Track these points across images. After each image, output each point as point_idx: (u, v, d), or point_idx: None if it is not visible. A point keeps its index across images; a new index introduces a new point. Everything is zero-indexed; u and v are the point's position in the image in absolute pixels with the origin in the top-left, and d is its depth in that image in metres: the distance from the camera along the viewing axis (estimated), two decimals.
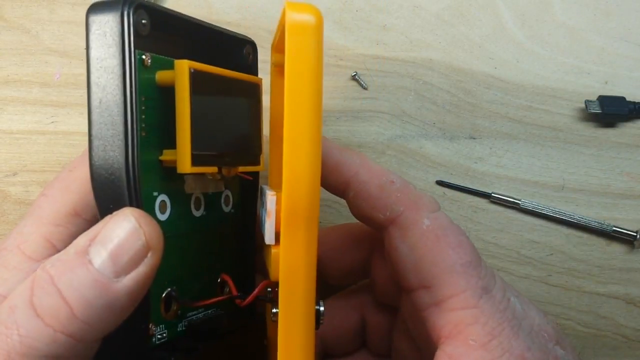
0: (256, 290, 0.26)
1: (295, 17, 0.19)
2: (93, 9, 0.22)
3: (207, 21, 0.27)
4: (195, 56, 0.24)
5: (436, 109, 0.37)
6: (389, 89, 0.37)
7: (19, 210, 0.36)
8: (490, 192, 0.36)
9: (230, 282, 0.27)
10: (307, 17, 0.19)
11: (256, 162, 0.27)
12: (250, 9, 0.37)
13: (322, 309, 0.23)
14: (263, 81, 0.28)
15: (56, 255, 0.21)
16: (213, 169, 0.24)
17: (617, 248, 0.36)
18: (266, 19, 0.37)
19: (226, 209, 0.28)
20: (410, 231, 0.25)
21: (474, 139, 0.37)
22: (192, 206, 0.26)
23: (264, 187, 0.27)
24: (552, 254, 0.36)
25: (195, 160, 0.22)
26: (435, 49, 0.37)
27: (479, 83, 0.37)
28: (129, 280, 0.20)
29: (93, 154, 0.21)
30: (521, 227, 0.36)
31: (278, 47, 0.28)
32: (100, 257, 0.20)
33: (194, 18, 0.25)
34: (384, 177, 0.26)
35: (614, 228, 0.36)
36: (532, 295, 0.36)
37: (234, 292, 0.27)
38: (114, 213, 0.21)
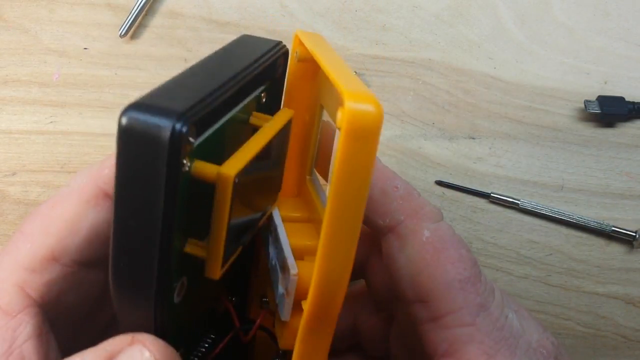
0: (258, 322, 0.25)
1: (356, 111, 0.17)
2: (133, 114, 0.17)
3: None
4: (229, 107, 0.22)
5: (435, 109, 0.37)
6: (388, 89, 0.37)
7: (17, 210, 0.36)
8: (489, 192, 0.36)
9: (233, 313, 0.26)
10: (369, 112, 0.17)
11: (273, 201, 0.26)
12: (249, 9, 0.37)
13: None
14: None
15: None
16: (238, 251, 0.22)
17: (616, 248, 0.36)
18: (265, 18, 0.37)
19: None
20: (409, 242, 0.24)
21: (474, 139, 0.37)
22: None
23: (275, 214, 0.26)
24: (551, 254, 0.36)
25: (224, 262, 0.21)
26: (434, 49, 0.37)
27: (479, 83, 0.37)
28: None
29: (116, 268, 0.19)
30: (520, 227, 0.36)
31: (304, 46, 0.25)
32: None
33: (234, 77, 0.21)
34: (388, 182, 0.25)
35: (613, 228, 0.36)
36: (532, 295, 0.36)
37: (236, 324, 0.25)
38: (136, 338, 0.20)
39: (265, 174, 0.24)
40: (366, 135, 0.17)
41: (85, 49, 0.37)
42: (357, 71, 0.37)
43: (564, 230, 0.36)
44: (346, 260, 0.19)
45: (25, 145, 0.36)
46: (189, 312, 0.23)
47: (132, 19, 0.36)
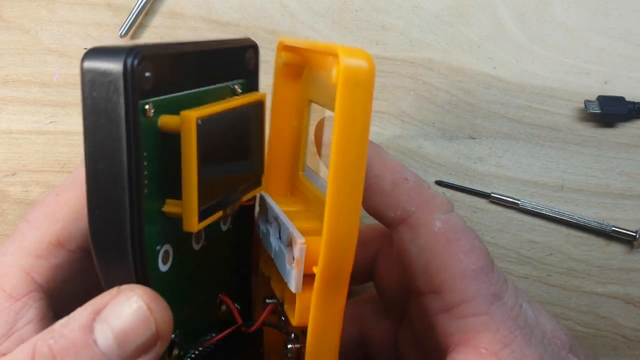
0: (263, 316, 0.25)
1: (350, 63, 0.19)
2: (90, 57, 0.19)
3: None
4: (196, 80, 0.23)
5: (436, 109, 0.37)
6: (388, 89, 0.37)
7: (18, 210, 0.36)
8: (489, 192, 0.36)
9: (234, 309, 0.26)
10: (362, 65, 0.19)
11: (258, 183, 0.26)
12: (249, 9, 0.37)
13: None
14: (265, 89, 0.27)
15: (58, 327, 0.20)
16: (218, 214, 0.23)
17: (616, 248, 0.36)
18: (265, 18, 0.37)
19: (224, 228, 0.27)
20: (420, 233, 0.24)
21: (474, 139, 0.37)
22: (193, 241, 0.24)
23: (265, 195, 0.26)
24: (551, 254, 0.36)
25: (202, 216, 0.21)
26: (434, 49, 0.37)
27: (479, 83, 0.37)
28: None
29: (92, 219, 0.20)
30: (520, 227, 0.36)
31: (292, 49, 0.27)
32: (105, 338, 0.19)
33: (194, 42, 0.23)
34: (398, 174, 0.25)
35: (613, 228, 0.36)
36: (532, 295, 0.36)
37: (239, 321, 0.26)
38: (122, 288, 0.20)
39: (239, 145, 0.24)
40: (361, 82, 0.19)
41: (85, 49, 0.37)
42: None
43: (564, 230, 0.36)
44: (355, 204, 0.20)
45: (25, 145, 0.36)
46: (182, 292, 0.23)
47: (132, 19, 0.36)
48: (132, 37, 0.37)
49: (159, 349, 0.20)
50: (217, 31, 0.37)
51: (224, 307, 0.27)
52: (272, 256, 0.25)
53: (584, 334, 0.36)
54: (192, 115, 0.20)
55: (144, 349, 0.19)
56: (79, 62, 0.36)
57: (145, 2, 0.36)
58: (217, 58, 0.25)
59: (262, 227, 0.27)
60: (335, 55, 0.19)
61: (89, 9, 0.37)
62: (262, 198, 0.27)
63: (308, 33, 0.37)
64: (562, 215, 0.36)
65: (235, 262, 0.28)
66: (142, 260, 0.20)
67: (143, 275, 0.20)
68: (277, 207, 0.25)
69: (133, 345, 0.19)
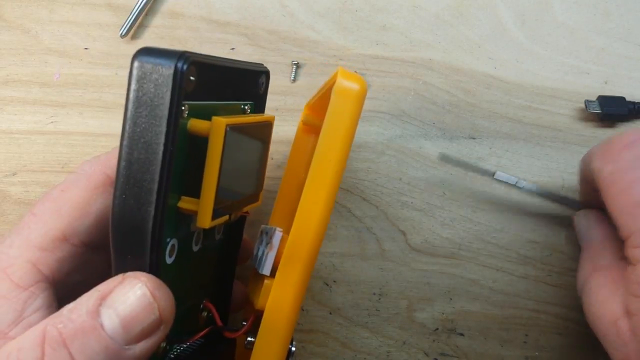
0: (247, 325, 0.26)
1: (344, 83, 0.22)
2: (143, 54, 0.20)
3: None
4: (219, 93, 0.24)
5: (436, 109, 0.37)
6: (388, 89, 0.37)
7: (18, 210, 0.36)
8: (494, 170, 0.35)
9: (215, 313, 0.27)
10: (353, 86, 0.22)
11: (256, 199, 0.28)
12: (249, 9, 0.37)
13: (293, 349, 0.24)
14: (276, 119, 0.29)
15: (66, 312, 0.21)
16: (225, 218, 0.24)
17: None
18: (265, 19, 0.37)
19: (217, 236, 0.28)
20: (601, 186, 0.28)
21: (474, 139, 0.37)
22: (194, 242, 0.26)
23: (266, 226, 0.27)
24: (551, 254, 0.36)
25: (215, 215, 0.23)
26: (435, 49, 0.37)
27: (479, 83, 0.37)
28: (140, 348, 0.21)
29: (118, 203, 0.21)
30: (521, 227, 0.36)
31: (313, 107, 0.30)
32: (111, 322, 0.20)
33: (223, 59, 0.25)
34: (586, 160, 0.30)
35: None
36: (532, 295, 0.36)
37: (218, 323, 0.27)
38: (127, 275, 0.21)
39: (250, 159, 0.26)
40: (350, 98, 0.21)
41: (85, 49, 0.37)
42: (357, 71, 0.37)
43: (564, 230, 0.36)
44: (327, 198, 0.22)
45: (25, 145, 0.36)
46: (177, 289, 0.24)
47: (132, 19, 0.36)
48: (132, 37, 0.37)
49: (162, 332, 0.21)
50: (217, 31, 0.37)
51: (205, 314, 0.28)
52: (255, 264, 0.26)
53: (584, 334, 0.36)
54: (223, 122, 0.22)
55: (148, 332, 0.21)
56: (79, 62, 0.37)
57: (146, 2, 0.36)
58: (238, 77, 0.27)
59: (257, 251, 0.28)
60: (335, 76, 0.22)
61: (89, 9, 0.37)
62: (263, 229, 0.28)
63: (308, 33, 0.37)
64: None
65: (221, 271, 0.29)
66: (158, 249, 0.21)
67: (156, 262, 0.21)
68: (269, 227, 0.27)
69: (138, 329, 0.20)
